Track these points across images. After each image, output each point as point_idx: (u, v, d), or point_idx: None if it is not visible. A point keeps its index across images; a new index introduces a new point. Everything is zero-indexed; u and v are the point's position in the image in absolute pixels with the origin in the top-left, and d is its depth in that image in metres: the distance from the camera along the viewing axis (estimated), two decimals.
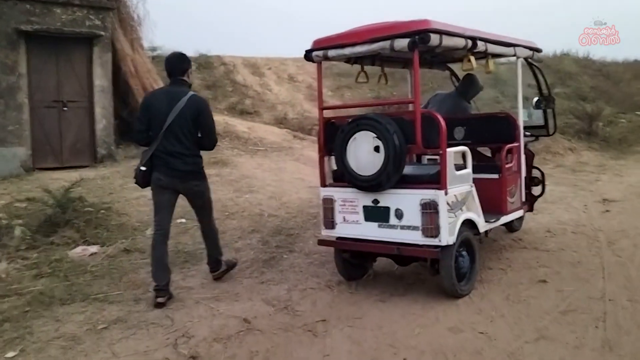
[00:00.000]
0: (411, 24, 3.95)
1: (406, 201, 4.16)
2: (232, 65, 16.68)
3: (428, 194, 4.05)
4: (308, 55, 4.52)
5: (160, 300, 4.28)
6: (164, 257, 4.41)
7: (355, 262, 4.74)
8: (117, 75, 9.90)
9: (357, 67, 5.35)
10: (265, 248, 5.77)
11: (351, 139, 4.27)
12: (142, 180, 4.39)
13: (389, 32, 4.02)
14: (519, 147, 5.13)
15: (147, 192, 7.79)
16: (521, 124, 5.17)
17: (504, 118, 5.28)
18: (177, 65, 4.49)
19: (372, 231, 4.36)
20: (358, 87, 16.92)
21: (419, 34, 3.87)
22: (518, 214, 5.27)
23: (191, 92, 4.39)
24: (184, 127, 4.25)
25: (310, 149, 11.37)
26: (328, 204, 4.60)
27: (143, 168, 4.30)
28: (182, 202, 7.61)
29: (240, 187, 8.32)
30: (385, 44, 4.02)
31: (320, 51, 4.43)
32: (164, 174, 4.31)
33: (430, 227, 4.02)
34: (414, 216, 4.11)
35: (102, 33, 9.50)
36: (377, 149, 4.13)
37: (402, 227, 4.18)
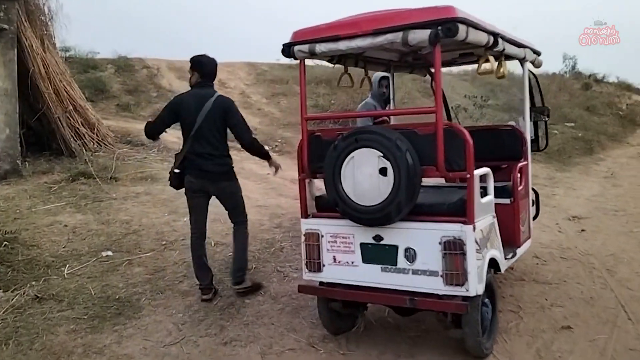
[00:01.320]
0: (432, 10, 3.04)
1: (420, 238, 3.24)
2: (155, 68, 15.32)
3: (451, 229, 3.15)
4: (288, 51, 3.51)
5: (206, 297, 4.41)
6: (204, 258, 4.55)
7: (345, 312, 3.77)
8: (24, 77, 8.37)
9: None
10: (220, 290, 4.66)
11: (348, 159, 3.30)
12: (176, 182, 4.42)
13: (401, 21, 3.10)
14: (527, 165, 4.37)
15: (63, 217, 6.57)
16: (528, 139, 4.43)
17: (509, 131, 4.51)
18: (215, 71, 4.48)
19: (373, 276, 3.40)
20: (295, 94, 16.02)
21: (443, 24, 2.98)
22: (527, 245, 4.51)
23: (217, 93, 4.37)
24: (212, 128, 4.22)
25: (250, 161, 10.21)
26: (312, 239, 3.60)
27: (177, 170, 4.33)
28: (98, 227, 6.41)
29: (176, 207, 7.10)
30: (396, 36, 3.10)
31: (305, 45, 3.43)
32: (195, 176, 4.31)
33: (456, 272, 3.12)
34: (431, 258, 3.20)
35: (5, 27, 7.95)
36: (383, 171, 3.19)
37: (415, 272, 3.26)
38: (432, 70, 5.37)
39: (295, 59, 3.52)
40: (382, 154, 3.18)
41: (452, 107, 15.05)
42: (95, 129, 9.32)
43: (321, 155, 3.52)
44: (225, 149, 4.35)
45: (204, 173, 4.27)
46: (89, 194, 7.12)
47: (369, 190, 3.24)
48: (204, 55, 4.44)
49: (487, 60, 3.52)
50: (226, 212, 4.65)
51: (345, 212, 3.37)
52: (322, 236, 3.57)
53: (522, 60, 4.29)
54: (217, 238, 6.05)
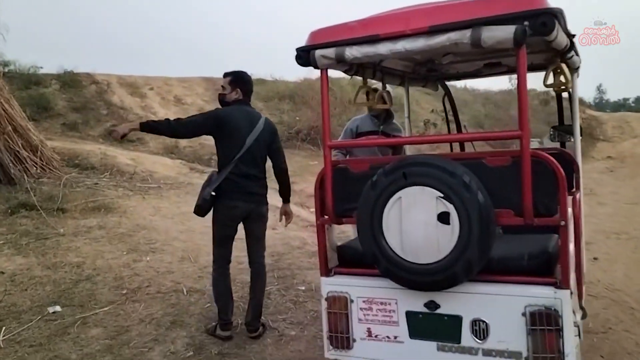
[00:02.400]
0: (514, 1, 2.24)
1: (494, 307, 2.41)
2: (105, 84, 14.13)
3: (540, 295, 2.32)
4: (306, 57, 2.63)
5: (227, 334, 4.06)
6: (231, 289, 4.23)
7: None
8: None
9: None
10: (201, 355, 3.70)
11: (392, 200, 2.44)
12: (208, 207, 4.06)
13: (470, 14, 2.28)
14: (581, 197, 3.63)
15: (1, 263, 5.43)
16: (580, 165, 3.70)
17: (557, 156, 3.74)
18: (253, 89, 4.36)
19: (425, 357, 2.54)
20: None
21: (531, 18, 2.18)
22: (584, 294, 3.74)
23: (262, 114, 4.25)
24: (262, 150, 4.12)
25: None
26: (338, 306, 2.71)
27: (213, 193, 3.99)
28: (43, 273, 5.30)
29: (136, 244, 6.08)
30: (462, 35, 2.28)
31: (330, 49, 2.56)
32: (242, 200, 4.04)
33: (550, 356, 2.30)
34: (511, 334, 2.36)
35: None
36: (444, 217, 2.35)
37: (488, 353, 2.41)
38: (446, 83, 4.68)
39: (316, 67, 2.63)
40: (442, 194, 2.34)
41: (423, 122, 14.52)
42: (39, 152, 8.18)
43: (348, 193, 2.66)
44: (265, 172, 4.21)
45: (252, 196, 4.10)
46: (31, 230, 6.03)
47: (424, 244, 2.39)
48: (245, 72, 4.24)
49: (558, 69, 2.76)
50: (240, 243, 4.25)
51: (389, 271, 2.50)
52: (352, 301, 2.69)
53: (576, 70, 3.56)
54: (188, 283, 5.10)
